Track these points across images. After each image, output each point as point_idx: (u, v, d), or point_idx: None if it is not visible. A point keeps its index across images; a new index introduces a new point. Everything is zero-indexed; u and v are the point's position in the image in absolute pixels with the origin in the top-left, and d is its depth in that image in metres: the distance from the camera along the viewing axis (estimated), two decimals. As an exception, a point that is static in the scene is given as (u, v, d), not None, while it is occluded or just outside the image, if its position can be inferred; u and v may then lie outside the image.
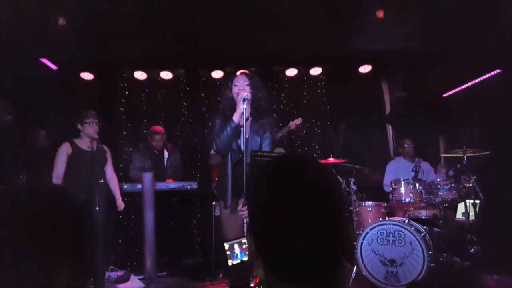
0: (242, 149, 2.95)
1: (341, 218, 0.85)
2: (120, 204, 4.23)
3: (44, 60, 5.23)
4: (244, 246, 1.57)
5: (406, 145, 5.09)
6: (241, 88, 3.08)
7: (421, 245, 3.70)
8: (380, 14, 4.01)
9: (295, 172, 0.84)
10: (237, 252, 1.57)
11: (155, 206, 4.33)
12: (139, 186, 4.43)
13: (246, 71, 3.34)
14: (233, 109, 3.05)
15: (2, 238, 0.72)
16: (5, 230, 0.74)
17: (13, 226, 0.75)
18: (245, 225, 2.89)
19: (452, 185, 4.18)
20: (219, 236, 4.71)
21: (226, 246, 1.59)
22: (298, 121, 4.95)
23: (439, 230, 4.23)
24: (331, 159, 4.65)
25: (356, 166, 4.65)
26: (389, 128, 6.04)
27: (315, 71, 5.90)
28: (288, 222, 0.80)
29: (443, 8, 3.78)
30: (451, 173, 4.42)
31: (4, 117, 3.89)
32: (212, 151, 5.15)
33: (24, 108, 4.62)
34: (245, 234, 2.90)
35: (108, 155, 4.14)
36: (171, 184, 4.69)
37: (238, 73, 3.27)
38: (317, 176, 0.85)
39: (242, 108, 2.90)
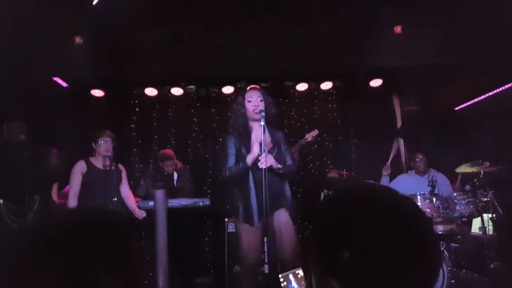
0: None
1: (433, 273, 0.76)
2: (139, 212, 4.02)
3: (56, 78, 5.23)
4: (299, 276, 1.49)
5: (417, 159, 4.84)
6: (256, 104, 3.09)
7: (440, 262, 3.63)
8: (398, 29, 4.02)
9: (375, 206, 0.77)
10: (294, 284, 1.49)
11: (167, 224, 4.26)
12: (151, 203, 4.37)
13: (257, 86, 3.33)
14: (246, 126, 3.06)
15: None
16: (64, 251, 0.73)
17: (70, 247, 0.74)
18: (265, 244, 2.83)
19: (470, 199, 4.11)
20: (232, 254, 4.64)
21: (281, 278, 1.51)
22: (314, 132, 4.90)
23: (456, 245, 4.15)
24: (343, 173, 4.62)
25: (371, 181, 4.61)
26: (401, 142, 5.99)
27: (326, 85, 5.89)
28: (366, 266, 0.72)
29: (458, 23, 3.79)
30: (467, 187, 4.35)
31: (18, 136, 3.86)
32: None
33: (35, 126, 4.61)
34: (265, 251, 2.84)
35: (123, 174, 4.08)
36: (183, 200, 4.64)
37: (248, 88, 3.27)
38: (401, 214, 0.76)
39: (257, 152, 2.92)
